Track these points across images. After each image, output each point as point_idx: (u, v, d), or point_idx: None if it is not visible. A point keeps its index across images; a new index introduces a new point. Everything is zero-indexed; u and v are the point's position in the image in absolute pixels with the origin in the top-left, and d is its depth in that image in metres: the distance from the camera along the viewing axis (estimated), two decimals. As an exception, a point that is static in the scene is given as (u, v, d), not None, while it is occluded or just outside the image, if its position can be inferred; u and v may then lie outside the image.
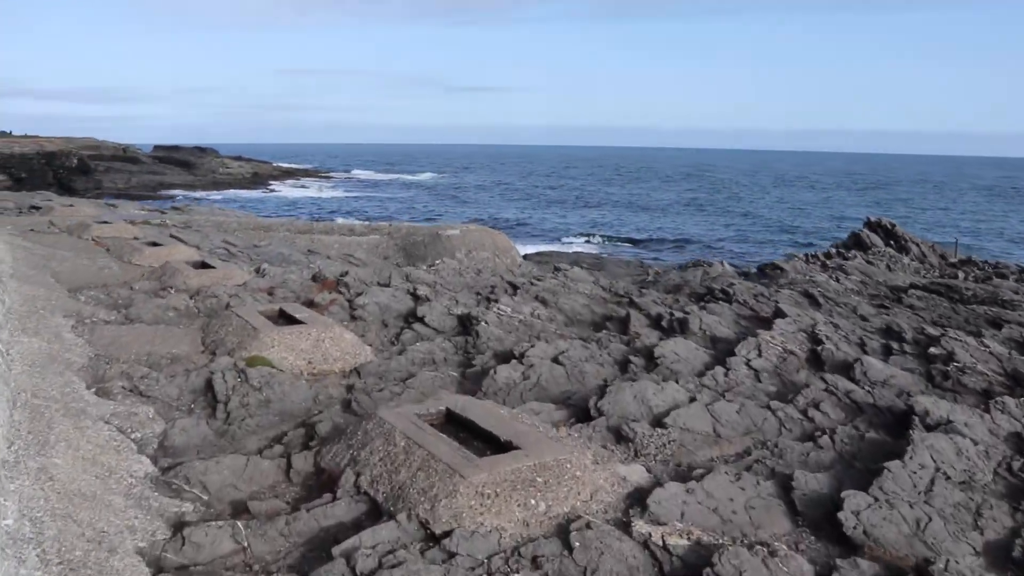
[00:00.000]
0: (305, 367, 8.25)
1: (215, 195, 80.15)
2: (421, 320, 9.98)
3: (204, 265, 12.37)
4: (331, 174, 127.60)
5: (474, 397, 7.20)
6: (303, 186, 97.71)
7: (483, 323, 9.76)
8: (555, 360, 8.49)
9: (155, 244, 14.69)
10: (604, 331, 10.36)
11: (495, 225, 63.62)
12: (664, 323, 10.52)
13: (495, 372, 8.00)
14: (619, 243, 52.33)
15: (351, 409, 7.32)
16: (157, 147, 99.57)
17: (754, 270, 21.31)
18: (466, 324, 10.00)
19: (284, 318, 9.39)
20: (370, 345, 9.27)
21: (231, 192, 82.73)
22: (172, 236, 17.23)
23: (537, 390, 7.90)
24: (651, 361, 8.78)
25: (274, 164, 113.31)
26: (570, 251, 44.69)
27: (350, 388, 7.95)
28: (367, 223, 23.50)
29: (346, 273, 12.22)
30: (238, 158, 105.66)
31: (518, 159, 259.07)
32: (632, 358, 8.83)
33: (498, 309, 10.26)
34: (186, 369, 7.84)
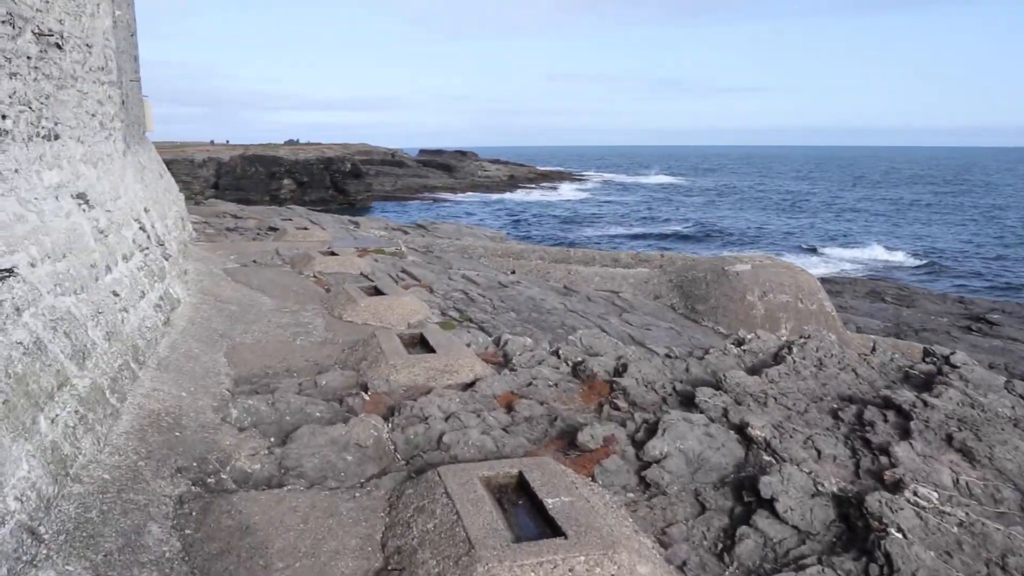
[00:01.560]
0: (563, 655, 3.88)
1: (473, 197, 79.94)
2: (768, 505, 5.29)
3: (423, 343, 8.46)
4: (583, 175, 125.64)
5: None
6: (554, 188, 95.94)
7: (892, 530, 4.89)
8: None
9: (377, 292, 11.17)
10: None
11: (737, 232, 56.94)
12: None
13: None
14: (889, 261, 43.99)
15: None
16: (422, 151, 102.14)
17: None
18: (853, 521, 5.17)
19: (526, 496, 5.10)
20: (682, 566, 4.74)
21: (489, 195, 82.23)
22: (403, 272, 13.81)
23: None
24: None
25: (528, 167, 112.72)
26: (855, 272, 37.66)
27: None
28: (634, 252, 19.04)
29: (624, 368, 7.76)
30: (496, 161, 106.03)
31: (766, 160, 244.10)
32: None
33: (914, 496, 5.28)
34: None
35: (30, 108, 7.07)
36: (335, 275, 12.99)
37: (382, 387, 7.08)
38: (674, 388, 7.53)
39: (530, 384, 7.40)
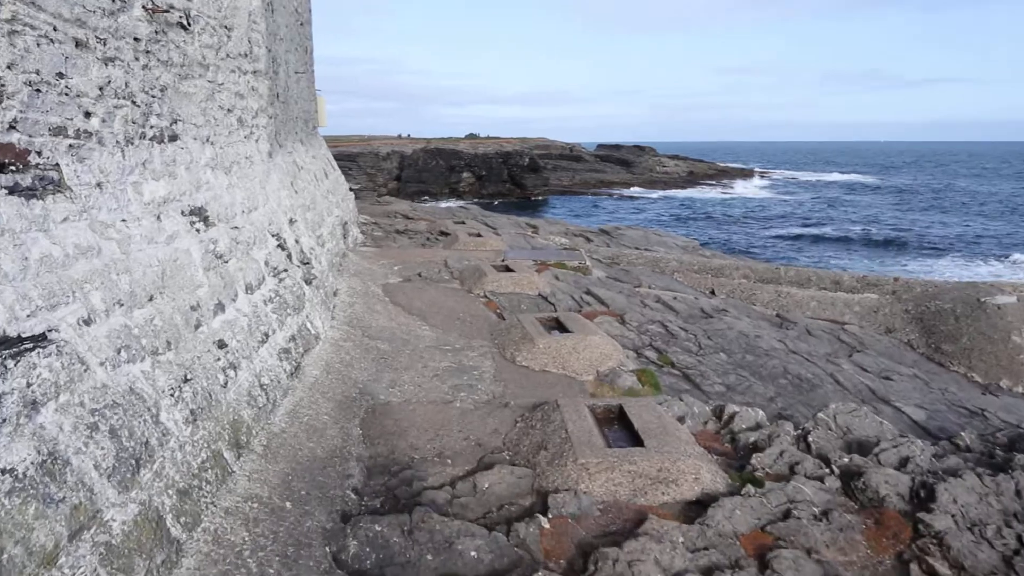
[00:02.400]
0: None
1: (647, 192, 76.48)
2: None
3: (622, 419, 6.03)
4: (763, 172, 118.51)
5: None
6: (731, 185, 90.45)
7: None
8: None
9: (559, 325, 8.91)
10: None
11: (936, 236, 49.89)
12: None
13: None
14: None
15: None
16: (600, 146, 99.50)
17: None
18: None
19: None
20: None
21: (664, 191, 78.50)
22: (588, 293, 11.46)
23: None
24: None
25: (707, 163, 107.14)
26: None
27: None
28: (859, 274, 15.65)
29: (929, 492, 4.99)
30: (674, 157, 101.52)
31: (962, 156, 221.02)
32: None
33: None
34: None
35: (133, 103, 5.25)
36: (509, 296, 10.87)
37: (569, 505, 4.74)
38: (1019, 537, 4.68)
39: (787, 515, 4.79)
